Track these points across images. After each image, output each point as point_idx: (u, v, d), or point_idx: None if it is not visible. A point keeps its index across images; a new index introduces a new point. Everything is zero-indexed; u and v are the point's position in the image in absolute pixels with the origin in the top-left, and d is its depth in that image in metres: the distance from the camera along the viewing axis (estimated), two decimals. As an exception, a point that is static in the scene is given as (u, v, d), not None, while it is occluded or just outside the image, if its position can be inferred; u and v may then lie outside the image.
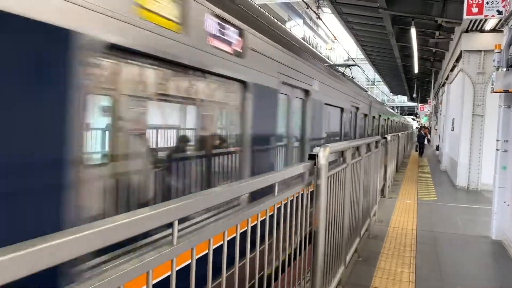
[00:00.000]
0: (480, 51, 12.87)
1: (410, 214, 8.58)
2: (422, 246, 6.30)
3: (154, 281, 1.45)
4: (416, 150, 27.18)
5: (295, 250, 3.03)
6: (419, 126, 49.12)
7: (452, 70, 17.17)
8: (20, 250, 0.91)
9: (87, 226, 1.12)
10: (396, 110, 65.38)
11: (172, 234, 1.51)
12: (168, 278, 1.54)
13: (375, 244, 6.27)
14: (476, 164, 12.99)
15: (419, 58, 21.66)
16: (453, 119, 16.31)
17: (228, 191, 1.96)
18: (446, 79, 19.64)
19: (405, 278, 4.97)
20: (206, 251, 1.80)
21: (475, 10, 8.34)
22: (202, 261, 1.82)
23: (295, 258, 3.04)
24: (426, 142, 28.74)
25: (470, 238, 7.04)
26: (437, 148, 24.33)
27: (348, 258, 4.72)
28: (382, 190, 9.92)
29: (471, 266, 5.62)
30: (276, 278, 2.69)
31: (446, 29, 15.83)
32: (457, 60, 14.78)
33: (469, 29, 12.89)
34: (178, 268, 1.57)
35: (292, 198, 2.82)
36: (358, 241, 5.45)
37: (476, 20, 11.96)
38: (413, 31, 15.50)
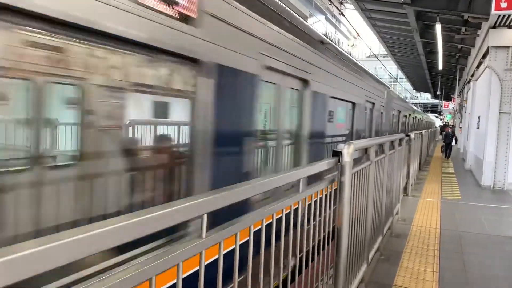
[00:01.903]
0: (508, 47, 12.55)
1: (433, 213, 8.45)
2: (446, 246, 6.21)
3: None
4: (442, 152, 23.55)
5: (318, 246, 3.04)
6: (442, 124, 47.81)
7: (478, 66, 16.78)
8: (60, 240, 0.95)
9: (118, 219, 1.16)
10: (419, 108, 64.26)
11: (201, 227, 1.55)
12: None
13: (397, 243, 6.21)
14: (502, 163, 12.69)
15: (444, 55, 21.22)
16: (479, 117, 15.95)
17: (254, 186, 1.98)
18: (472, 76, 19.21)
19: (428, 277, 4.91)
20: (233, 246, 1.83)
21: (504, 5, 8.13)
22: (228, 255, 1.86)
23: (318, 254, 3.05)
24: (453, 142, 24.41)
25: (496, 238, 6.89)
26: None
27: (370, 256, 4.70)
28: (405, 189, 9.80)
29: (497, 267, 5.50)
30: (299, 273, 2.70)
31: (473, 25, 15.45)
32: (484, 57, 14.43)
33: (496, 24, 12.55)
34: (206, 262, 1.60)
35: (316, 194, 2.83)
36: (380, 239, 5.41)
37: (504, 15, 11.65)
38: (438, 27, 15.19)
